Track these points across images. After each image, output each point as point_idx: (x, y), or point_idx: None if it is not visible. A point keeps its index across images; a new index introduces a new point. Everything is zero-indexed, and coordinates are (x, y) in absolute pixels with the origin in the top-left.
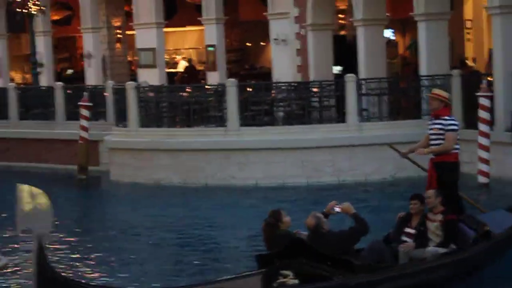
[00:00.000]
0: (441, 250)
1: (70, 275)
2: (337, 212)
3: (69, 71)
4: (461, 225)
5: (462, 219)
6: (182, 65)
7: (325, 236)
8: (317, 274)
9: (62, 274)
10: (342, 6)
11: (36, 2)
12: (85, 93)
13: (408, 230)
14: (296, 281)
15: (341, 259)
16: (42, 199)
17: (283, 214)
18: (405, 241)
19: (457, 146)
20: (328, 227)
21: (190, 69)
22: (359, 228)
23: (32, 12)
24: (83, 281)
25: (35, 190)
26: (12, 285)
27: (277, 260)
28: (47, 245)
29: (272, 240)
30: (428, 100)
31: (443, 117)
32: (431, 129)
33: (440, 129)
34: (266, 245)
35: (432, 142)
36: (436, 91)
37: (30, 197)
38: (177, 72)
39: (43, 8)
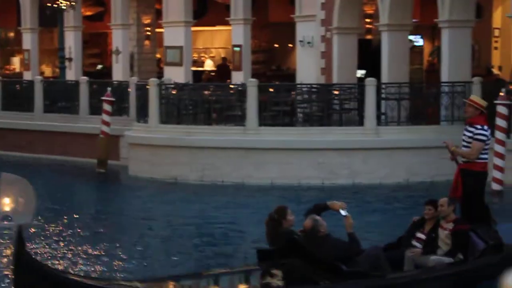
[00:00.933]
0: (446, 259)
1: (70, 265)
2: (342, 214)
3: (99, 66)
4: (473, 236)
5: (475, 230)
6: (208, 64)
7: (319, 240)
8: (307, 277)
9: (42, 263)
10: (370, 10)
11: None
12: (108, 88)
13: (419, 235)
14: (282, 283)
15: (332, 264)
16: (26, 188)
17: (288, 212)
18: (415, 246)
19: (483, 156)
20: (326, 230)
21: (222, 67)
22: (351, 248)
23: (62, 7)
24: (68, 272)
25: (19, 178)
26: None
27: (275, 257)
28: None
29: (273, 237)
30: (460, 106)
31: (475, 125)
32: (464, 135)
33: (470, 137)
34: (267, 240)
35: (463, 149)
36: (473, 98)
37: (14, 185)
38: (204, 71)
39: (73, 4)
